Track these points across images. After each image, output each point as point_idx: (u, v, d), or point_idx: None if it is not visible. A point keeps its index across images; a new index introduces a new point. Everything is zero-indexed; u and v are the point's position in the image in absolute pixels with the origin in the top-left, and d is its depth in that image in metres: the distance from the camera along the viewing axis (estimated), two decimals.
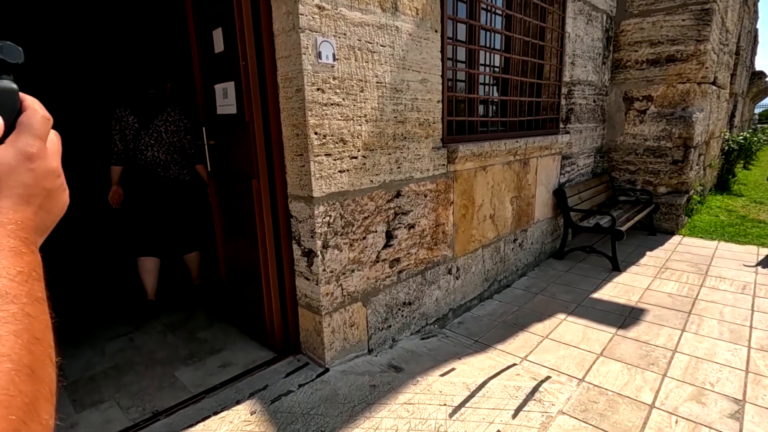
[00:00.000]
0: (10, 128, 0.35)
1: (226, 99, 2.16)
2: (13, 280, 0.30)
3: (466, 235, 3.00)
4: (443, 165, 2.69)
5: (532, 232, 3.85)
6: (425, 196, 2.58)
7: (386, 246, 2.38)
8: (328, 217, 2.03)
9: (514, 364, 2.38)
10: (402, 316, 2.56)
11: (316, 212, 1.97)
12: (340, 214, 2.09)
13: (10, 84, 0.36)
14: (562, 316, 2.97)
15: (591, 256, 4.11)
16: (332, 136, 1.99)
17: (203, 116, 2.41)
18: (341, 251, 2.12)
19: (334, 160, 2.02)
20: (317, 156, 1.94)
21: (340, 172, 2.05)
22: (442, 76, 2.57)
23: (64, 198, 0.39)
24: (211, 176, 2.46)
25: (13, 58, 0.36)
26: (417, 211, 2.53)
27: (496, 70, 3.29)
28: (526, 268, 3.84)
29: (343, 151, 2.05)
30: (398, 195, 2.40)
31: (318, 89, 1.90)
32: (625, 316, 2.93)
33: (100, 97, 4.70)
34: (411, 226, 2.52)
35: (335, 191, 2.04)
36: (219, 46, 2.13)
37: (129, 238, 2.83)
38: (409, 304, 2.60)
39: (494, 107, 3.25)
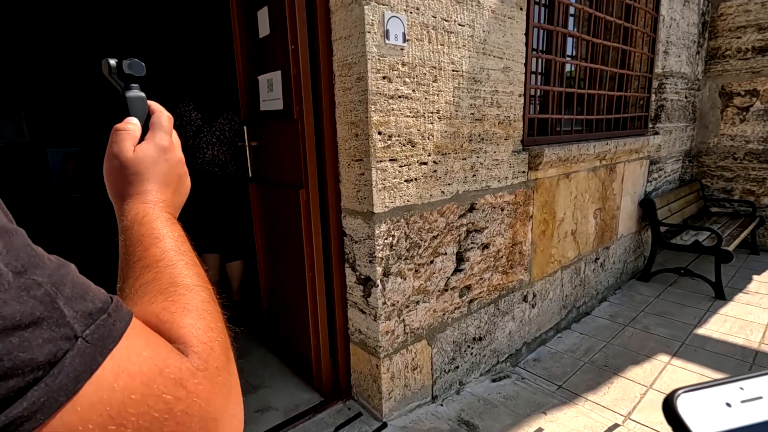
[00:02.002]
0: (144, 128, 0.46)
1: (270, 92, 1.81)
2: (182, 239, 0.40)
3: (544, 256, 2.52)
4: (523, 172, 2.23)
5: (614, 249, 3.29)
6: (502, 209, 2.13)
7: (456, 271, 1.95)
8: (390, 238, 1.63)
9: (617, 425, 1.88)
10: (471, 354, 2.12)
11: (376, 231, 1.57)
12: (405, 233, 1.68)
13: (140, 93, 0.47)
14: (664, 357, 2.42)
15: (683, 279, 3.48)
16: (399, 136, 1.59)
17: (245, 113, 2.08)
18: (405, 279, 1.72)
19: (401, 166, 1.61)
20: (380, 162, 1.54)
21: (406, 181, 1.65)
22: (525, 64, 2.12)
23: (188, 182, 0.50)
24: (253, 182, 2.13)
25: (138, 72, 0.46)
26: (492, 228, 2.09)
27: (576, 58, 2.77)
28: (606, 292, 3.29)
29: (411, 156, 1.65)
30: (472, 209, 1.97)
31: (384, 78, 1.50)
32: (749, 363, 2.34)
33: (162, 94, 4.57)
34: (485, 247, 2.08)
35: (400, 205, 1.64)
36: (264, 29, 1.78)
37: (192, 234, 2.73)
38: (480, 339, 2.16)
39: (576, 103, 2.73)
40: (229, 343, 0.34)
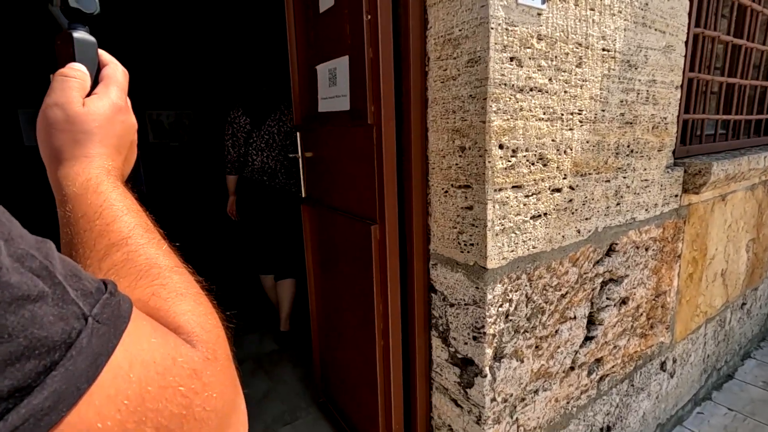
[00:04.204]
0: (94, 81, 0.38)
1: (333, 87, 1.32)
2: (143, 214, 0.34)
3: (690, 307, 1.84)
4: (675, 196, 1.58)
5: (763, 290, 2.52)
6: (646, 249, 1.51)
7: (586, 340, 1.36)
8: (507, 304, 1.08)
9: None
10: None
11: (488, 296, 1.03)
12: (526, 295, 1.12)
13: (90, 37, 0.38)
14: None
15: None
16: (527, 151, 1.03)
17: (298, 116, 1.61)
18: (522, 362, 1.16)
19: (526, 196, 1.06)
20: (500, 190, 1.00)
21: (533, 218, 1.08)
22: (686, 42, 1.48)
23: (135, 152, 0.43)
24: (306, 204, 1.66)
25: (88, 8, 0.37)
26: (633, 277, 1.47)
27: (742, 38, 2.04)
28: (749, 345, 2.52)
29: (542, 180, 1.08)
30: (610, 252, 1.37)
31: (512, 59, 0.95)
32: None
33: (217, 101, 4.36)
34: (622, 303, 1.46)
35: (523, 255, 1.08)
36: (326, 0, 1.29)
37: (246, 253, 2.63)
38: (608, 429, 1.55)
39: (738, 99, 2.01)
40: (226, 332, 0.30)
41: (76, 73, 0.37)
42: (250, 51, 3.69)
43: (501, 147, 0.98)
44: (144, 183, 4.33)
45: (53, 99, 0.35)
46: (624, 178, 1.33)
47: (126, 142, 0.39)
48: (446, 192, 1.09)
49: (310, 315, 1.73)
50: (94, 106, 0.36)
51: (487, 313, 1.04)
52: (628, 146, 1.32)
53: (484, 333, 1.05)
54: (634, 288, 1.50)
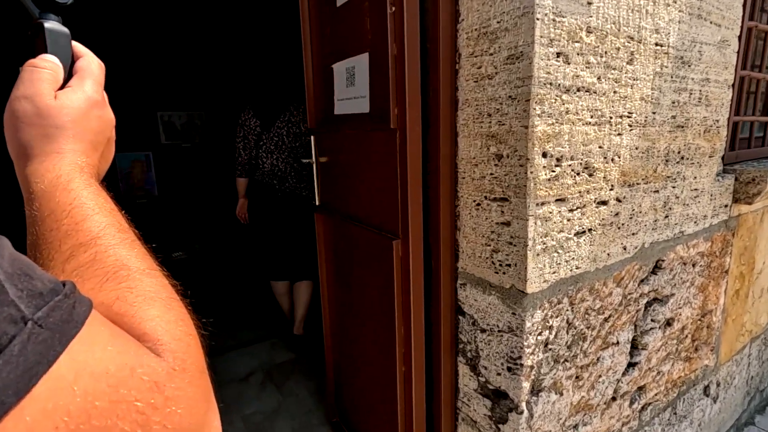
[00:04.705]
0: (68, 74, 0.35)
1: (351, 87, 1.21)
2: (118, 213, 0.32)
3: (735, 326, 1.70)
4: (725, 206, 1.44)
5: None
6: (693, 265, 1.37)
7: (628, 366, 1.23)
8: (546, 332, 0.96)
9: None
10: None
11: (527, 324, 0.91)
12: (567, 321, 1.00)
13: (63, 27, 0.36)
14: None
15: None
16: (572, 159, 0.91)
17: (312, 119, 1.51)
18: (561, 395, 1.03)
19: (570, 210, 0.93)
20: (543, 204, 0.87)
21: (576, 234, 0.96)
22: (740, 36, 1.33)
23: (113, 149, 0.40)
24: (320, 212, 1.56)
25: None
26: (679, 296, 1.34)
27: None
28: None
29: (587, 192, 0.96)
30: (656, 269, 1.23)
31: (558, 55, 0.83)
32: None
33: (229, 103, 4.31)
34: (668, 324, 1.33)
35: (565, 277, 0.96)
36: None
37: (258, 258, 2.56)
38: None
39: None
40: (200, 339, 0.27)
41: (47, 64, 0.34)
42: (262, 50, 3.62)
43: (544, 155, 0.86)
44: (155, 185, 4.31)
45: (21, 91, 0.33)
46: (673, 187, 1.20)
47: (102, 138, 0.37)
48: (478, 205, 0.98)
49: (324, 331, 1.63)
50: (68, 99, 0.34)
51: (525, 343, 0.92)
52: (679, 152, 1.19)
53: (521, 365, 0.93)
54: (680, 308, 1.36)
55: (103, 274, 0.26)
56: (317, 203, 1.53)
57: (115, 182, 4.12)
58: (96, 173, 0.35)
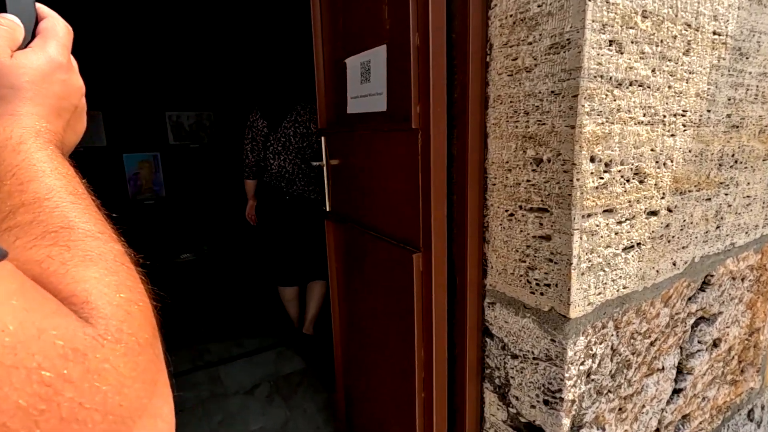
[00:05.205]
0: (31, 36, 0.34)
1: (366, 83, 1.10)
2: (78, 181, 0.30)
3: None
4: None
5: None
6: (743, 280, 1.24)
7: (673, 394, 1.11)
8: (589, 360, 0.84)
9: None
10: None
11: (569, 353, 0.79)
12: (612, 347, 0.88)
13: None
14: None
15: None
16: (622, 164, 0.79)
17: (323, 118, 1.40)
18: (603, 430, 0.91)
19: (619, 222, 0.81)
20: (590, 215, 0.76)
21: (624, 250, 0.84)
22: None
23: (84, 121, 0.38)
24: (331, 220, 1.45)
25: None
26: (727, 314, 1.21)
27: None
28: None
29: (638, 201, 0.84)
30: (704, 286, 1.11)
31: (611, 43, 0.72)
32: None
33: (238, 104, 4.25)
34: (714, 344, 1.20)
35: (611, 298, 0.84)
36: None
37: (266, 264, 2.53)
38: None
39: None
40: (153, 313, 0.24)
41: (4, 21, 0.32)
42: (269, 49, 3.53)
43: (592, 160, 0.74)
44: (163, 186, 4.26)
45: None
46: (726, 195, 1.07)
47: (68, 105, 0.34)
48: (512, 215, 0.86)
49: (334, 346, 1.52)
50: (26, 59, 0.31)
51: (567, 374, 0.80)
52: (733, 155, 1.06)
53: (561, 399, 0.82)
54: (728, 327, 1.23)
55: (40, 233, 0.24)
56: (328, 209, 1.42)
57: (123, 183, 4.09)
58: (59, 141, 0.32)
